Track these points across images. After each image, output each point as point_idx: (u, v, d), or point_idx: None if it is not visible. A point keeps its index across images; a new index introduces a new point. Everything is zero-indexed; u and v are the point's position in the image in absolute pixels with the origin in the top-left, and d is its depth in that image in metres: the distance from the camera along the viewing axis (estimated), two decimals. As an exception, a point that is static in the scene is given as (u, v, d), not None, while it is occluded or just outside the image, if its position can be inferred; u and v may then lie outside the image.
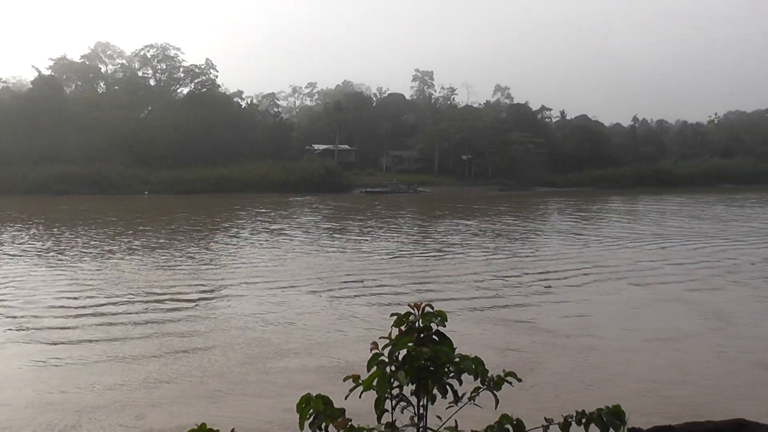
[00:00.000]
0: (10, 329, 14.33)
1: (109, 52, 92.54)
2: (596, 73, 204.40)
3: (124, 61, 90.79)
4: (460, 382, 2.58)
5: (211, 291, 18.90)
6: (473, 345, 11.34)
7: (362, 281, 20.33)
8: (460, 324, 14.30)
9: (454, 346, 2.60)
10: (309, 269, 22.59)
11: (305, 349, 12.98)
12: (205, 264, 23.99)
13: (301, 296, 18.04)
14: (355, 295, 18.17)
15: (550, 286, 19.87)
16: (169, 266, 23.16)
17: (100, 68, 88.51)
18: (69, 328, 14.52)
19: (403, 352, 2.54)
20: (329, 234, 35.07)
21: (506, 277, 21.67)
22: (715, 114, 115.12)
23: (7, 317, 15.35)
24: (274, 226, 37.82)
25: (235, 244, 29.93)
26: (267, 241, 31.44)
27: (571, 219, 45.41)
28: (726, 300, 18.12)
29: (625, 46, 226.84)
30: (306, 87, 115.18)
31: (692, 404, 10.04)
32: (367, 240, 32.21)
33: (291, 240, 31.73)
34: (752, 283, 20.73)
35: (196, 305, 16.91)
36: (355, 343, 13.05)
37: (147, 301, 17.23)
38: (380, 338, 2.58)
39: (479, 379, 2.61)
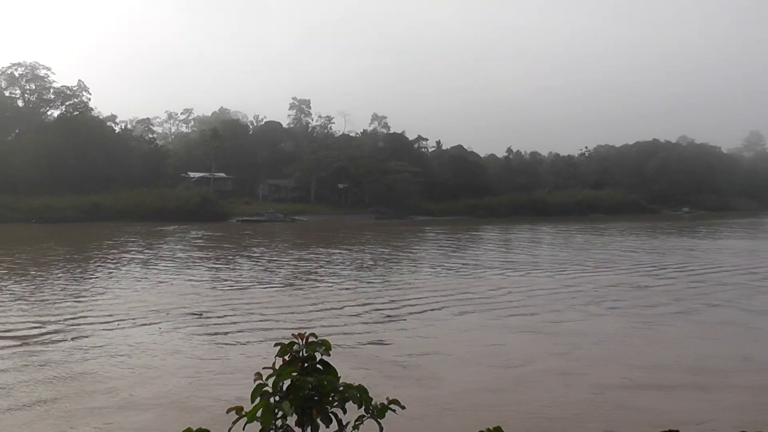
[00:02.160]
0: None
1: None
2: (471, 104, 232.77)
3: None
4: (345, 411, 2.96)
5: (56, 328, 19.57)
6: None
7: (201, 314, 21.88)
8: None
9: (339, 375, 2.97)
10: (160, 301, 24.18)
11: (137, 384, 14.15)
12: (52, 299, 24.53)
13: (136, 329, 19.42)
14: (189, 327, 19.88)
15: (403, 317, 22.08)
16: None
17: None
18: None
19: (287, 381, 2.87)
20: (194, 264, 37.42)
21: (360, 305, 23.96)
22: (586, 147, 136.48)
23: None
24: (140, 257, 40.35)
25: (94, 276, 31.31)
26: (129, 272, 33.02)
27: (442, 247, 51.03)
28: (573, 326, 20.84)
29: (497, 78, 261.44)
30: (182, 113, 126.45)
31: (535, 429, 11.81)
32: (229, 269, 34.86)
33: (152, 271, 33.52)
34: (598, 310, 23.95)
35: (25, 343, 17.70)
36: (172, 376, 14.57)
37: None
38: (264, 368, 2.90)
39: (363, 408, 2.96)
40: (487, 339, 19.00)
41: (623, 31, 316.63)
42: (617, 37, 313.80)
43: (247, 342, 18.20)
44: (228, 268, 35.85)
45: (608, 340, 19.20)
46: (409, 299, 25.68)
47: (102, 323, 20.26)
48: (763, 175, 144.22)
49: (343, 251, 46.51)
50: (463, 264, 38.46)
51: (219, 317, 21.54)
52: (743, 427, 10.06)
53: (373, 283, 30.47)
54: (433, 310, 23.48)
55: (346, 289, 28.48)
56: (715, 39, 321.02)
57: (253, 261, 39.89)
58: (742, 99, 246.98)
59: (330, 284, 29.79)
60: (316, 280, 31.19)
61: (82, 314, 21.72)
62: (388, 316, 22.34)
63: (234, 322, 20.73)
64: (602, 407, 13.11)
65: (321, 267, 36.56)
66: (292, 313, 22.43)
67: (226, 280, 30.58)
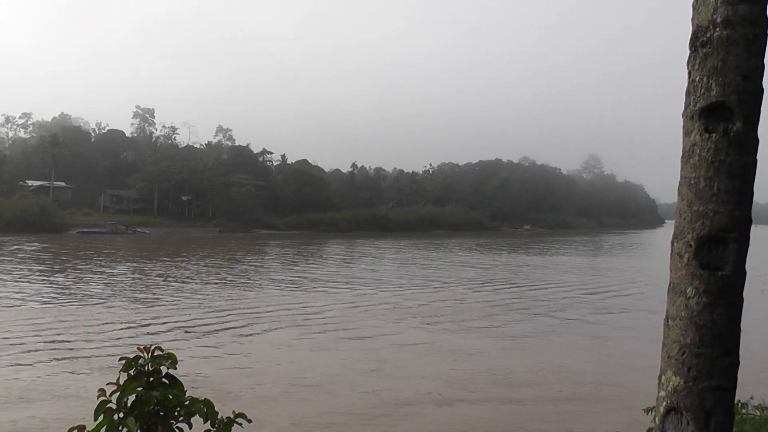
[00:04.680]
0: None
1: None
2: (316, 119, 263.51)
3: None
4: (191, 426, 3.33)
5: None
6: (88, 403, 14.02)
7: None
8: (86, 379, 17.94)
9: (185, 389, 3.29)
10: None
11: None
12: None
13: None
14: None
15: (216, 333, 25.10)
16: None
17: None
18: None
19: (132, 397, 3.16)
20: (22, 278, 40.28)
21: (158, 324, 26.56)
22: (430, 165, 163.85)
23: None
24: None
25: None
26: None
27: (280, 262, 57.45)
28: (387, 341, 24.60)
29: (341, 94, 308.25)
30: (20, 117, 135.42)
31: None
32: (45, 284, 37.74)
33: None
34: (413, 324, 28.17)
35: None
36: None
37: None
38: (108, 384, 3.14)
39: (209, 422, 3.30)
40: (296, 356, 21.79)
41: (467, 54, 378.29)
42: (461, 60, 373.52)
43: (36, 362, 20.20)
44: (45, 284, 38.61)
45: (419, 354, 22.55)
46: (231, 313, 29.93)
47: None
48: (600, 195, 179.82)
49: (170, 264, 51.83)
50: (297, 278, 45.03)
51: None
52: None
53: (196, 298, 34.33)
54: (249, 324, 27.20)
55: (162, 305, 32.04)
56: (558, 67, 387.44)
57: (75, 274, 43.91)
58: (582, 124, 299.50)
59: (151, 299, 33.35)
60: (135, 297, 34.60)
61: None
62: (205, 332, 25.39)
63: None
64: (405, 423, 15.37)
65: (142, 281, 40.84)
66: (88, 332, 25.04)
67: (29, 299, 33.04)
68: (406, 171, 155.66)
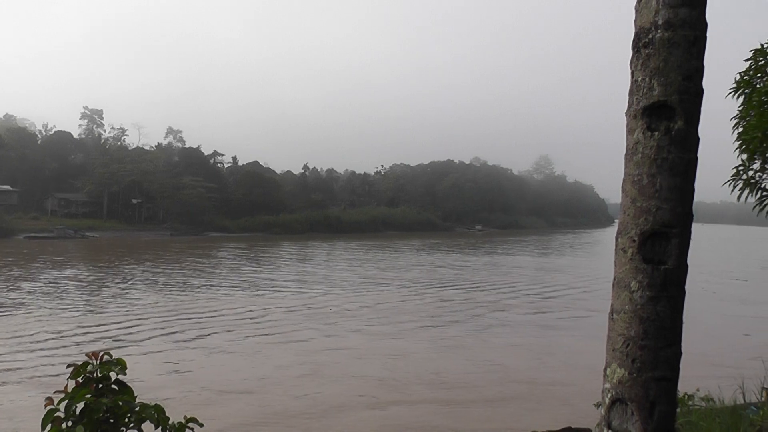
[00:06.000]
0: None
1: None
2: (268, 121, 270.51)
3: None
4: None
5: None
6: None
7: None
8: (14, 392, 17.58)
9: (135, 394, 3.25)
10: None
11: None
12: None
13: None
14: None
15: (140, 342, 24.11)
16: None
17: None
18: None
19: (81, 405, 3.12)
20: None
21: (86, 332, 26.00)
22: (382, 166, 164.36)
23: None
24: None
25: None
26: None
27: (227, 266, 56.58)
28: (321, 344, 24.58)
29: (293, 97, 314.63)
30: None
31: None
32: None
33: None
34: (349, 327, 28.22)
35: None
36: None
37: None
38: (56, 392, 3.10)
39: (161, 428, 3.30)
40: (230, 361, 21.65)
41: (418, 59, 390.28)
42: (413, 65, 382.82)
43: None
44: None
45: (355, 357, 22.44)
46: (169, 318, 29.38)
47: None
48: (551, 195, 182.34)
49: (115, 269, 51.16)
50: (242, 282, 44.83)
51: None
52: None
53: (123, 303, 33.88)
54: (187, 330, 26.94)
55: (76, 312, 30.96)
56: (509, 71, 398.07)
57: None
58: (533, 126, 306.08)
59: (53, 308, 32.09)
60: (71, 304, 33.46)
61: None
62: (142, 339, 25.08)
63: None
64: (337, 426, 15.36)
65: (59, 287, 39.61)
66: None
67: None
68: (358, 172, 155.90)
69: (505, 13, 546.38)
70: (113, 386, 3.38)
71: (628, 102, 2.76)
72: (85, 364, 3.34)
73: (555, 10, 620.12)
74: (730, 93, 7.73)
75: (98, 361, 3.36)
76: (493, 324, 30.53)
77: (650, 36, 2.69)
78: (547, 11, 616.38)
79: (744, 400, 11.75)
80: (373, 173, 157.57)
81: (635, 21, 2.77)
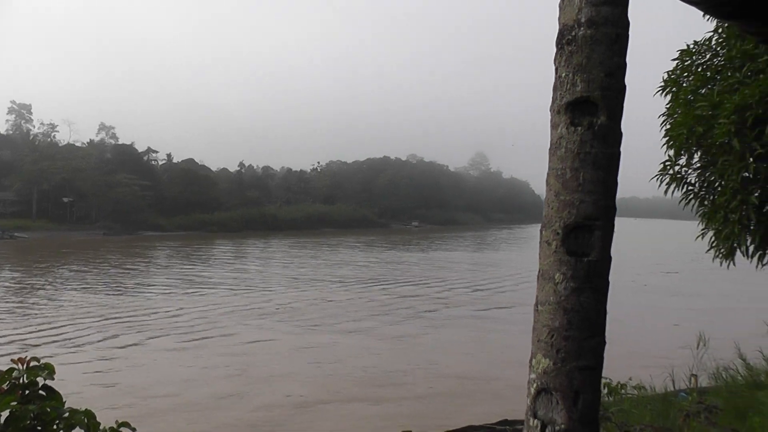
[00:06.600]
0: None
1: None
2: (203, 119, 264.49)
3: None
4: None
5: None
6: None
7: None
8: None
9: (64, 400, 3.18)
10: None
11: None
12: None
13: None
14: None
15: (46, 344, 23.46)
16: None
17: None
18: None
19: (6, 413, 3.03)
20: None
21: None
22: (318, 163, 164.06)
23: None
24: None
25: None
26: None
27: (158, 265, 56.13)
28: (253, 344, 24.38)
29: (227, 95, 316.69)
30: None
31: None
32: None
33: None
34: (276, 327, 27.94)
35: None
36: None
37: None
38: None
39: None
40: (153, 364, 21.38)
41: (355, 62, 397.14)
42: (348, 68, 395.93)
43: None
44: None
45: (284, 357, 22.50)
46: (93, 322, 28.50)
47: None
48: (487, 192, 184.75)
49: (37, 271, 49.26)
50: (172, 282, 44.01)
51: None
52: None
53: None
54: (111, 335, 25.99)
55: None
56: (442, 71, 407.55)
57: None
58: (468, 124, 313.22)
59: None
60: None
61: None
62: (47, 344, 24.12)
63: None
64: (264, 427, 15.27)
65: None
66: None
67: None
68: (294, 169, 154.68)
69: (442, 17, 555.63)
70: (41, 392, 3.27)
71: (552, 97, 2.80)
72: (11, 370, 3.23)
73: (490, 14, 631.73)
74: (657, 91, 7.97)
75: (24, 367, 3.26)
76: (426, 321, 30.51)
77: (573, 33, 2.73)
78: (481, 14, 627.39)
79: (674, 387, 12.29)
80: (309, 170, 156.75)
81: (559, 18, 2.82)
